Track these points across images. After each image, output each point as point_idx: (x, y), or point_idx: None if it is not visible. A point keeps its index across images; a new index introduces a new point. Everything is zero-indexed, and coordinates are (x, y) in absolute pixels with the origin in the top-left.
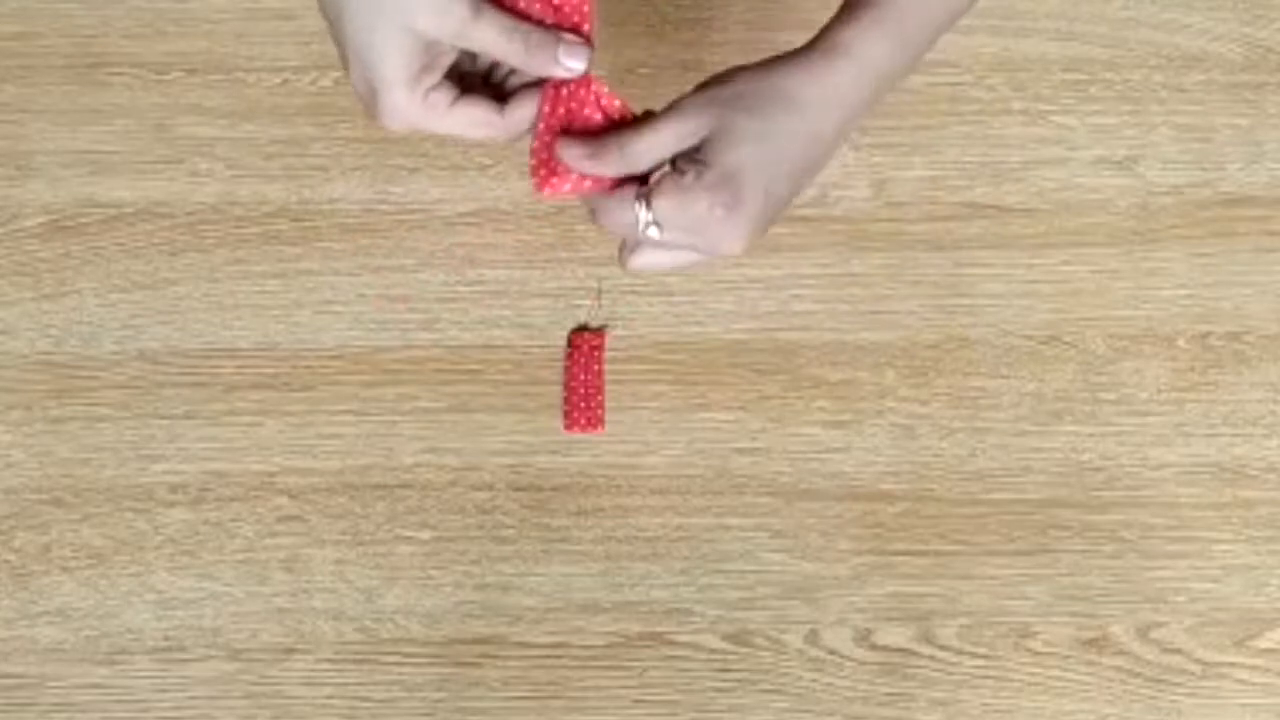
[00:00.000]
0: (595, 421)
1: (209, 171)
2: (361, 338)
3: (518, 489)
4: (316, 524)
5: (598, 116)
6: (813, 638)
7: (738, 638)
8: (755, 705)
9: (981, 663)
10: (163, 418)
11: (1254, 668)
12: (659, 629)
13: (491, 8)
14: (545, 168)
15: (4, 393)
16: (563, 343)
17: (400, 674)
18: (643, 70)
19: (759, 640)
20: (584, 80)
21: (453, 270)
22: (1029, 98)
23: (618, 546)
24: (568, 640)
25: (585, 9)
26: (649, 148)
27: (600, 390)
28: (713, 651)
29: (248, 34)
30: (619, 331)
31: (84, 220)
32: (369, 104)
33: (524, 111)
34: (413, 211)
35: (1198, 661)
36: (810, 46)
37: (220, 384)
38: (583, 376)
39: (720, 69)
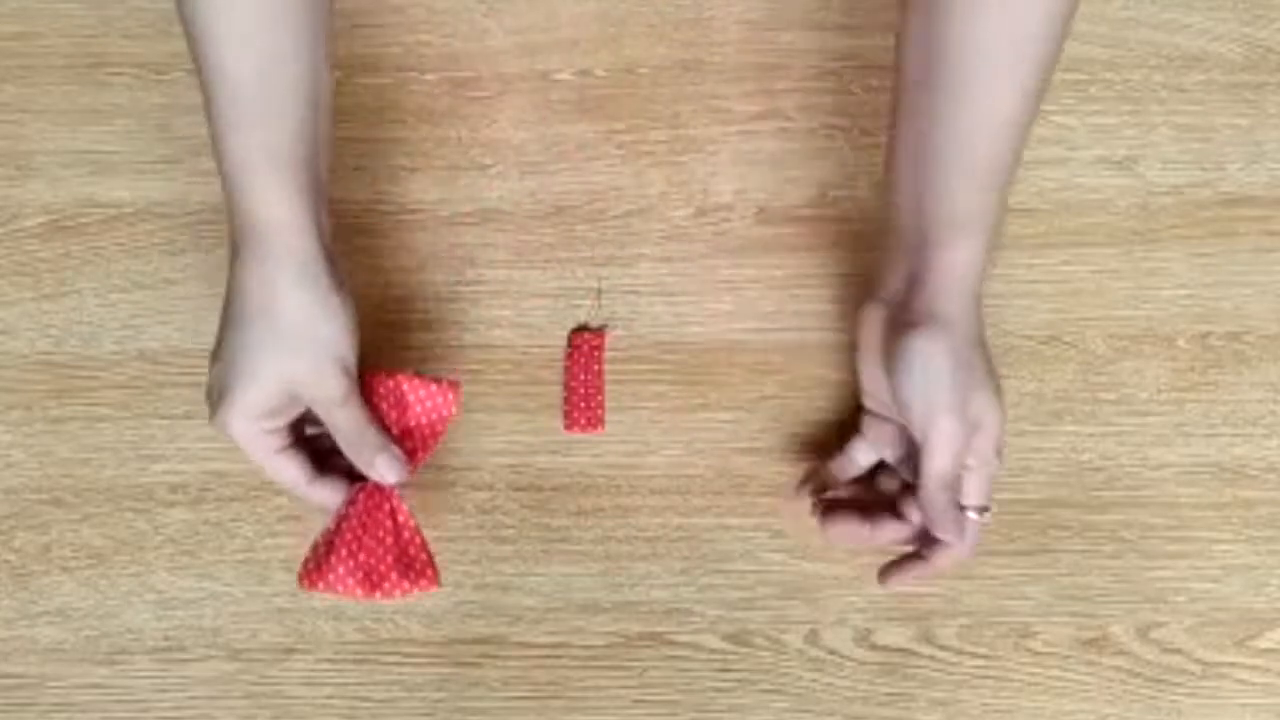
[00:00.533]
0: (595, 421)
1: (209, 171)
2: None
3: (518, 489)
4: (316, 524)
5: (388, 523)
6: (813, 638)
7: (738, 638)
8: (755, 705)
9: (981, 663)
10: (163, 418)
11: (1254, 668)
12: (659, 629)
13: (357, 399)
14: (314, 561)
15: (4, 393)
16: (563, 342)
17: (400, 674)
18: (642, 70)
19: (759, 640)
20: (387, 498)
21: (453, 270)
22: None
23: (618, 546)
24: (568, 640)
25: (429, 445)
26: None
27: (600, 390)
28: (713, 651)
29: None
30: (619, 331)
31: (84, 220)
32: (211, 400)
33: (326, 493)
34: (413, 211)
35: (1198, 661)
36: (914, 304)
37: None
38: (583, 376)
39: (720, 69)
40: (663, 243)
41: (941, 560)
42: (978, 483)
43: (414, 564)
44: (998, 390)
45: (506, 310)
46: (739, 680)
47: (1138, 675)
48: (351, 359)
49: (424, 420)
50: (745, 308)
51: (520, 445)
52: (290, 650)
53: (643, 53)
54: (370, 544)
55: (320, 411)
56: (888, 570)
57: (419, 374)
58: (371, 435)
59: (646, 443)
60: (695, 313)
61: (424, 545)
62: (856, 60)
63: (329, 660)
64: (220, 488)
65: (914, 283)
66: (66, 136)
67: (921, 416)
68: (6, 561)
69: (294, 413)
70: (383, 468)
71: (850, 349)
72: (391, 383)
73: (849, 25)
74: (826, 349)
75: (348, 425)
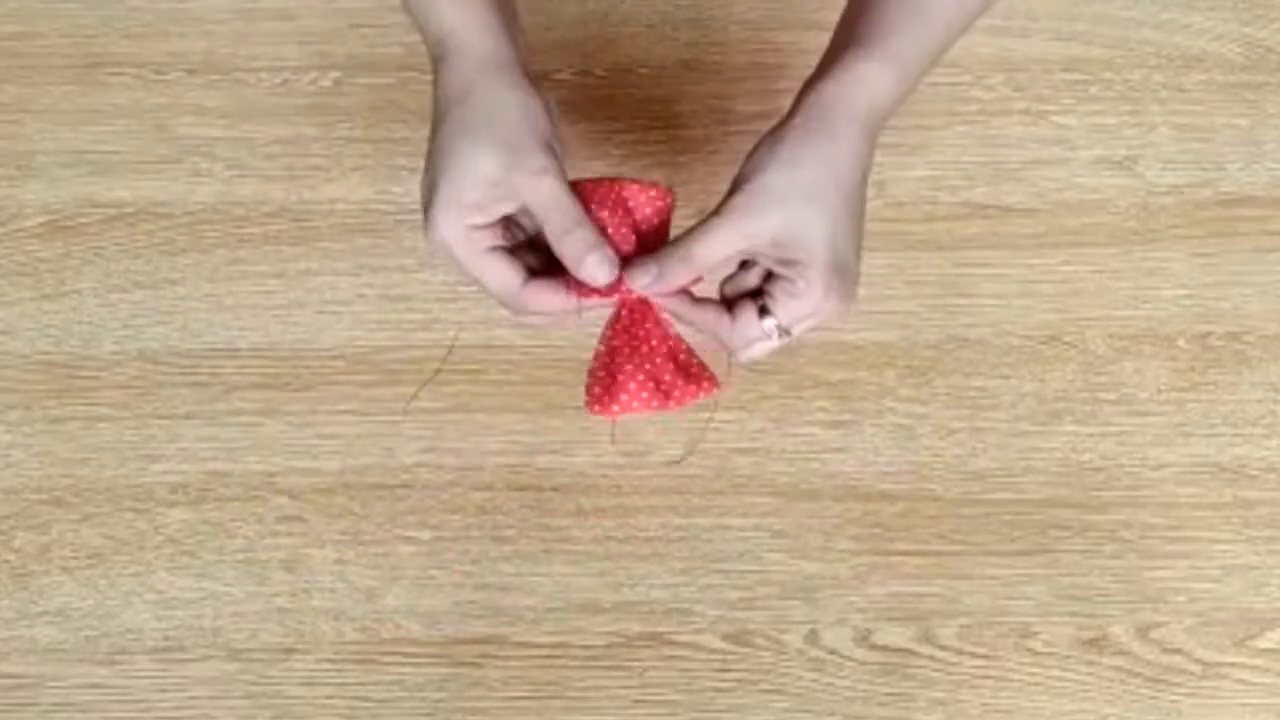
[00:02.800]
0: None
1: (209, 171)
2: (362, 338)
3: (518, 489)
4: (316, 524)
5: (657, 332)
6: (813, 638)
7: (738, 638)
8: (755, 705)
9: (981, 663)
10: (163, 418)
11: (1254, 668)
12: (659, 629)
13: (561, 181)
14: (600, 385)
15: (4, 393)
16: (563, 342)
17: (400, 674)
18: (643, 70)
19: (759, 640)
20: (649, 311)
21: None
22: (1029, 98)
23: (618, 546)
24: (568, 640)
25: (664, 239)
26: (709, 252)
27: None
28: (713, 651)
29: (248, 34)
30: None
31: (84, 220)
32: (423, 212)
33: (542, 296)
34: (413, 211)
35: (1198, 661)
36: (810, 111)
37: (220, 384)
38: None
39: (720, 69)
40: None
41: (699, 316)
42: (784, 295)
43: (691, 369)
44: (829, 221)
45: (506, 310)
46: (739, 680)
47: (1138, 675)
48: (551, 137)
49: (651, 217)
50: None
51: (520, 445)
52: (290, 650)
53: (643, 53)
54: (650, 355)
55: (526, 196)
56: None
57: (633, 179)
58: (582, 228)
59: (646, 443)
60: None
61: (692, 351)
62: None
63: (329, 660)
64: (220, 488)
65: (804, 91)
66: (66, 136)
67: (801, 236)
68: (6, 561)
69: (501, 208)
70: (593, 266)
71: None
72: (606, 185)
73: None
74: (826, 349)
75: (554, 209)
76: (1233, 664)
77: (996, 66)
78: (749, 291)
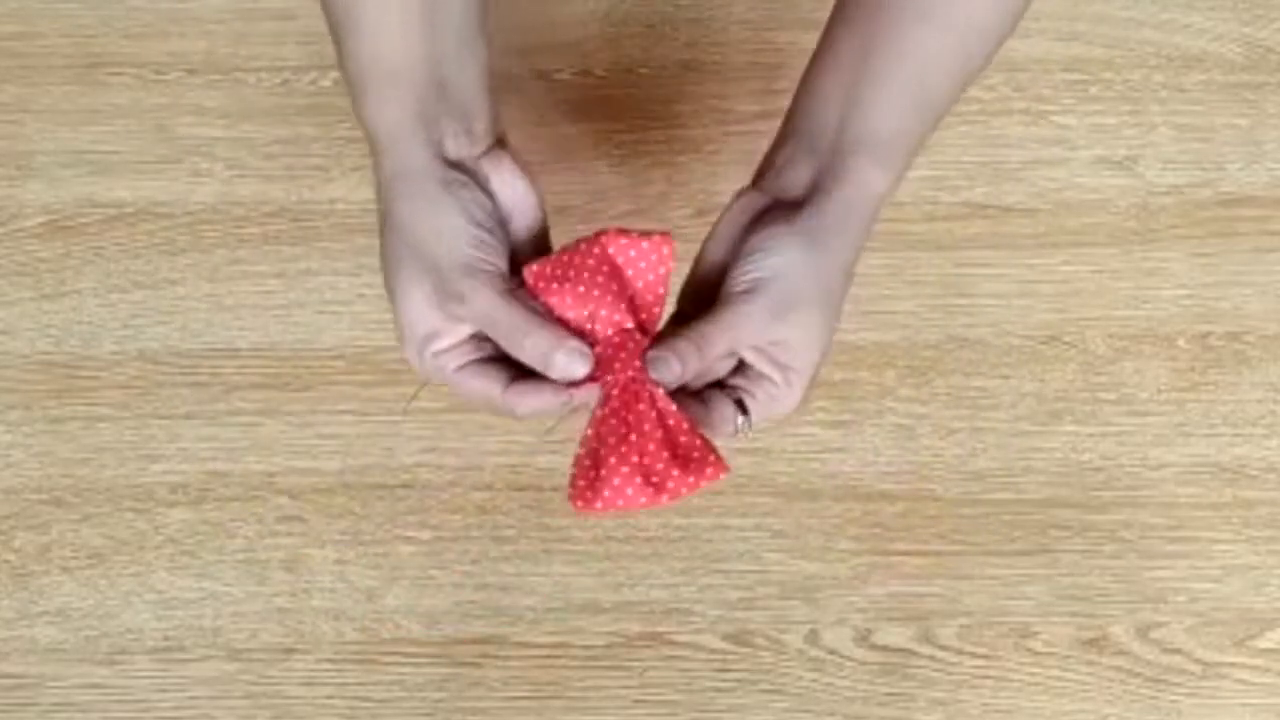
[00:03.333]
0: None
1: (209, 171)
2: (361, 338)
3: (518, 489)
4: (316, 524)
5: (651, 414)
6: (813, 638)
7: (738, 638)
8: (755, 705)
9: (981, 663)
10: (163, 418)
11: (1254, 668)
12: (659, 629)
13: (498, 298)
14: (585, 478)
15: (4, 393)
16: None
17: (400, 674)
18: (643, 70)
19: (759, 640)
20: (642, 390)
21: None
22: (1029, 98)
23: (618, 546)
24: (568, 640)
25: (660, 303)
26: (722, 346)
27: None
28: (713, 651)
29: (248, 34)
30: None
31: (84, 220)
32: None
33: (527, 398)
34: None
35: (1198, 661)
36: (827, 207)
37: (220, 384)
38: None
39: (720, 69)
40: None
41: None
42: (764, 395)
43: (691, 454)
44: (826, 326)
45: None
46: (739, 680)
47: (1138, 675)
48: (476, 255)
49: (655, 284)
50: None
51: (520, 445)
52: (290, 650)
53: (643, 53)
54: (640, 443)
55: (466, 320)
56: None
57: (622, 230)
58: (535, 332)
59: None
60: None
61: (695, 430)
62: None
63: (329, 660)
64: (220, 488)
65: (816, 190)
66: (66, 136)
67: (734, 294)
68: (6, 561)
69: (460, 329)
70: (563, 364)
71: (710, 231)
72: (597, 249)
73: None
74: None
75: (496, 324)
76: (1233, 664)
77: (996, 66)
78: (716, 382)
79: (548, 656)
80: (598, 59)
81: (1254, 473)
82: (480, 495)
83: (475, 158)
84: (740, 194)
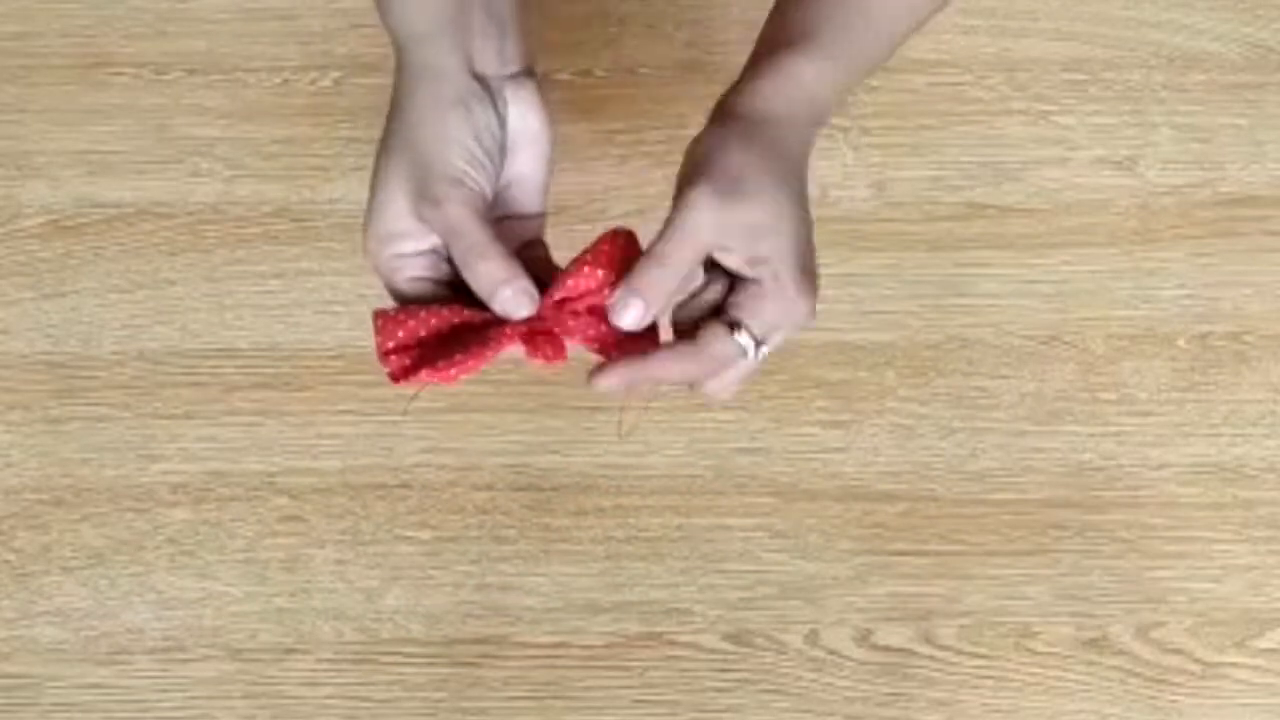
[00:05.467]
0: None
1: (209, 171)
2: (362, 338)
3: (518, 489)
4: (316, 524)
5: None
6: (813, 638)
7: (738, 638)
8: (755, 705)
9: (981, 663)
10: (163, 418)
11: (1254, 668)
12: (659, 629)
13: (467, 211)
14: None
15: (4, 393)
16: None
17: (400, 674)
18: (643, 70)
19: (759, 640)
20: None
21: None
22: (1029, 98)
23: (618, 546)
24: (568, 640)
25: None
26: (684, 251)
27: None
28: (713, 651)
29: (248, 34)
30: None
31: (84, 220)
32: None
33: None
34: None
35: (1198, 661)
36: (755, 104)
37: (220, 384)
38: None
39: (720, 69)
40: None
41: (660, 362)
42: (752, 300)
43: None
44: (794, 215)
45: None
46: (739, 680)
47: (1138, 675)
48: (465, 169)
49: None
50: None
51: (520, 445)
52: (290, 650)
53: (643, 53)
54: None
55: (437, 230)
56: (599, 369)
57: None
58: (488, 259)
59: (646, 443)
60: None
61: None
62: None
63: (329, 660)
64: (220, 488)
65: (743, 87)
66: (66, 136)
67: (678, 192)
68: (6, 561)
69: (424, 240)
70: (507, 298)
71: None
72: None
73: None
74: (826, 349)
75: (454, 240)
76: (1233, 664)
77: (996, 66)
78: (705, 315)
79: (548, 656)
80: (598, 59)
81: (1254, 473)
82: (480, 495)
83: (501, 78)
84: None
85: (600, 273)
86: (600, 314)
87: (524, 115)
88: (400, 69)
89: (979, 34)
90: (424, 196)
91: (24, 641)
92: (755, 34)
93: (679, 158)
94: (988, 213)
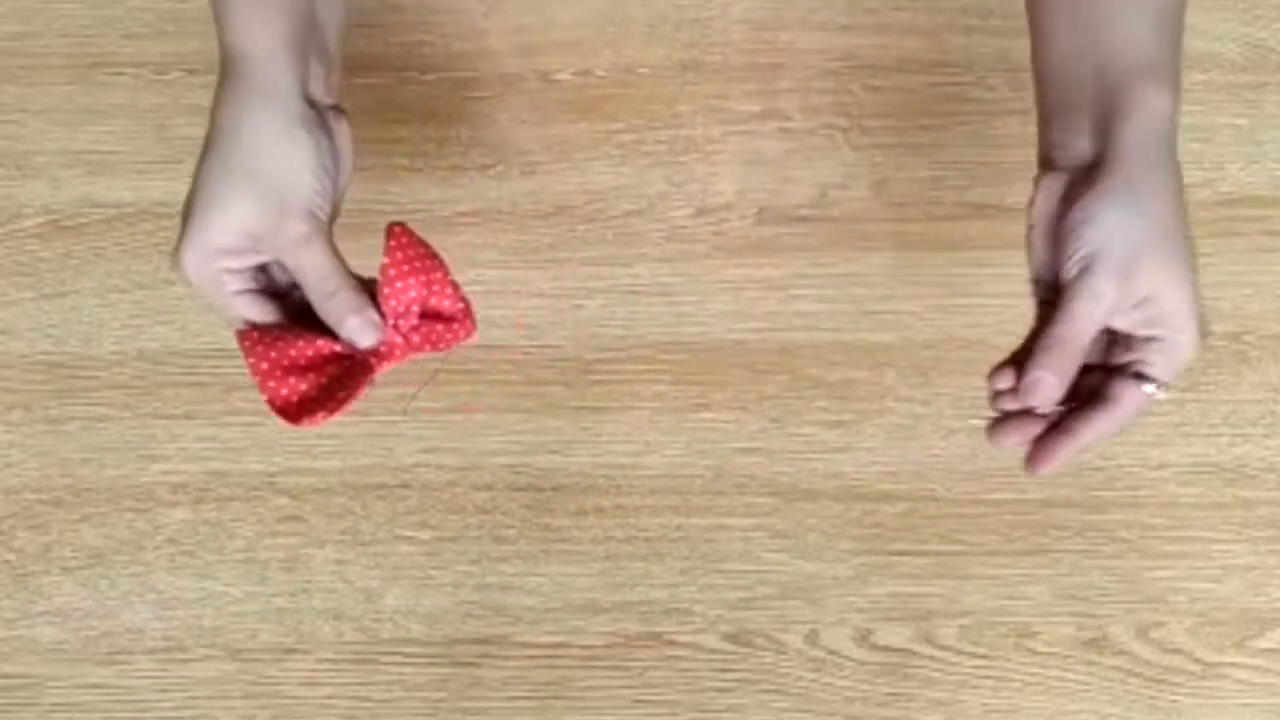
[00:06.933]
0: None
1: None
2: None
3: (518, 489)
4: (316, 524)
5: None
6: (813, 638)
7: (738, 638)
8: (755, 705)
9: (981, 663)
10: (163, 418)
11: (1254, 668)
12: (659, 629)
13: (324, 247)
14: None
15: (4, 393)
16: (562, 342)
17: (400, 674)
18: (642, 70)
19: (759, 640)
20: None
21: (452, 270)
22: (1029, 98)
23: (618, 546)
24: (568, 640)
25: (429, 347)
26: (1080, 329)
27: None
28: (713, 651)
29: None
30: (617, 331)
31: (84, 220)
32: (180, 228)
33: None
34: (412, 212)
35: (1198, 661)
36: (1120, 154)
37: (220, 384)
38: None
39: (720, 69)
40: (662, 243)
41: (1087, 430)
42: (1161, 354)
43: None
44: (1181, 261)
45: (506, 310)
46: (739, 680)
47: (1138, 675)
48: (317, 201)
49: (439, 322)
50: (745, 308)
51: (520, 445)
52: (290, 650)
53: (643, 53)
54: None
55: (283, 257)
56: (1037, 457)
57: (453, 284)
58: (344, 291)
59: (646, 443)
60: (695, 313)
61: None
62: (856, 60)
63: (329, 660)
64: (220, 488)
65: (1105, 140)
66: (66, 136)
67: (1072, 281)
68: (6, 561)
69: (256, 257)
70: (353, 330)
71: (1025, 233)
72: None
73: (849, 25)
74: (826, 349)
75: (311, 273)
76: (1233, 664)
77: (996, 66)
78: (1101, 368)
79: (548, 656)
80: (598, 59)
81: (1254, 473)
82: (480, 495)
83: (324, 107)
84: (1036, 185)
85: (412, 279)
86: (433, 316)
87: (341, 147)
88: (232, 82)
89: (978, 34)
90: (282, 233)
91: (24, 641)
92: (755, 34)
93: (679, 158)
94: (988, 213)
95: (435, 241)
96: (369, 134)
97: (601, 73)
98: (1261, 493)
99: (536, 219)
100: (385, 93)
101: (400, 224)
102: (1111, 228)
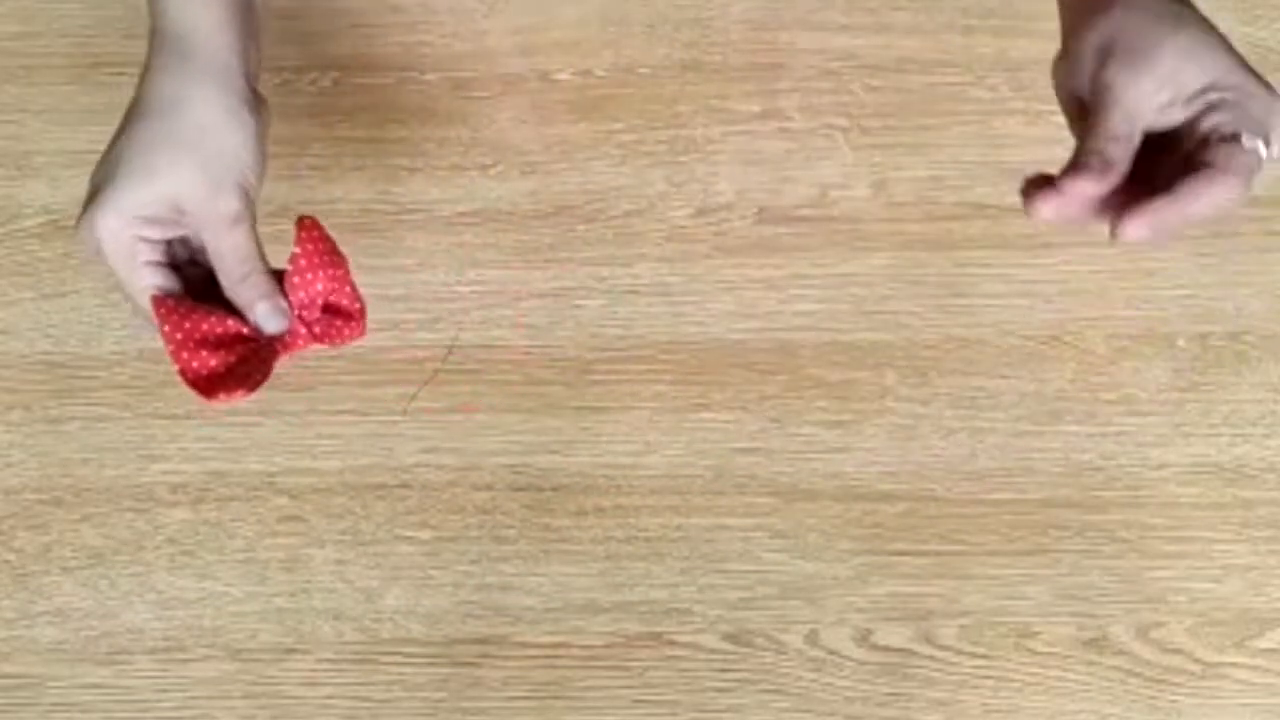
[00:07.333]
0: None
1: None
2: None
3: (518, 489)
4: (316, 524)
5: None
6: (813, 638)
7: (738, 638)
8: (755, 705)
9: (981, 663)
10: (163, 418)
11: (1254, 668)
12: (659, 629)
13: (249, 229)
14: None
15: (4, 393)
16: (562, 342)
17: (400, 674)
18: (642, 70)
19: (759, 640)
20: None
21: (453, 270)
22: (1029, 98)
23: (618, 546)
24: (568, 640)
25: (324, 339)
26: (1127, 137)
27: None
28: (713, 651)
29: None
30: (617, 331)
31: None
32: (89, 197)
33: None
34: (413, 211)
35: (1198, 661)
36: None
37: None
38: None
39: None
40: (663, 243)
41: (1194, 202)
42: (1240, 114)
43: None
44: (1211, 35)
45: (506, 310)
46: (739, 680)
47: (1138, 675)
48: (253, 182)
49: (335, 315)
50: (745, 308)
51: (520, 445)
52: (290, 650)
53: (643, 53)
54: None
55: (206, 233)
56: (1128, 219)
57: (353, 283)
58: (259, 275)
59: (646, 443)
60: (695, 313)
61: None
62: (856, 60)
63: (329, 660)
64: (220, 488)
65: None
66: (66, 136)
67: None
68: (6, 561)
69: (174, 230)
70: (263, 315)
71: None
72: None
73: (849, 25)
74: (826, 349)
75: (232, 254)
76: (1233, 664)
77: (996, 66)
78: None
79: (548, 656)
80: (598, 59)
81: (1254, 473)
82: (480, 495)
83: (253, 88)
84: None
85: (321, 273)
86: (333, 311)
87: (266, 136)
88: (171, 59)
89: (978, 34)
90: (213, 210)
91: (24, 641)
92: (755, 34)
93: (679, 158)
94: (988, 213)
95: (436, 241)
96: (369, 134)
97: (601, 73)
98: (1261, 493)
99: (536, 219)
100: (385, 93)
101: (311, 218)
102: (1123, 19)
